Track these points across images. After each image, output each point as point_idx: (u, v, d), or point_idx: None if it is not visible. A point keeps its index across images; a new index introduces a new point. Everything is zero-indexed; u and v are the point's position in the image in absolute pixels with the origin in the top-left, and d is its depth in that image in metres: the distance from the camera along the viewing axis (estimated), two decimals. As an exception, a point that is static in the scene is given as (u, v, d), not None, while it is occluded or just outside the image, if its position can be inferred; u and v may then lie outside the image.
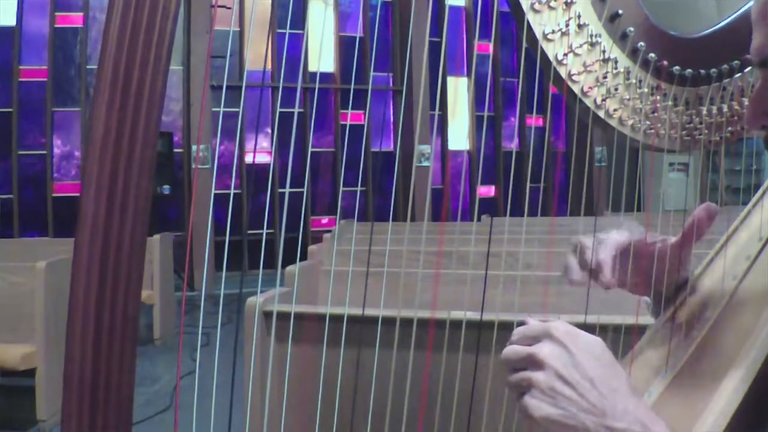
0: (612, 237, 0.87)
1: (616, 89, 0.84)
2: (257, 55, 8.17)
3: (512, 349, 0.63)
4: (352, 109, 9.79)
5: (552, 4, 0.79)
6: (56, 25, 8.37)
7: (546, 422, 0.60)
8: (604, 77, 0.83)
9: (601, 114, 0.84)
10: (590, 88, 0.83)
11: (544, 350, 0.61)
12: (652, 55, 0.84)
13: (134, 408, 0.68)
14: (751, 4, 0.72)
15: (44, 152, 8.39)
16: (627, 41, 0.83)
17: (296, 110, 8.10)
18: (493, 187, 10.46)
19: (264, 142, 9.08)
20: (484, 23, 9.95)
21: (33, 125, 8.38)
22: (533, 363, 0.61)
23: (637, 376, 0.82)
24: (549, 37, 0.79)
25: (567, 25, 0.80)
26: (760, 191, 0.97)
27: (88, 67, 8.39)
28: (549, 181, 9.12)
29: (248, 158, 8.81)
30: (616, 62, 0.83)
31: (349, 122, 9.48)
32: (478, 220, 6.09)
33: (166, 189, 7.22)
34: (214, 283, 8.22)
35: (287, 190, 7.61)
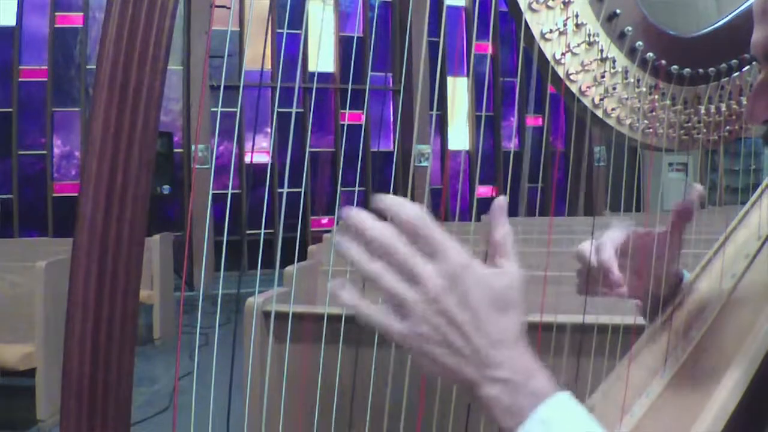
0: (609, 238, 0.86)
1: (615, 88, 0.84)
2: (256, 54, 8.17)
3: (395, 246, 0.52)
4: (351, 108, 9.79)
5: (550, 3, 0.79)
6: (56, 25, 8.37)
7: (416, 357, 0.53)
8: (602, 76, 0.83)
9: (600, 113, 0.84)
10: (588, 87, 0.83)
11: (433, 280, 0.52)
12: (650, 54, 0.84)
13: (133, 408, 0.68)
14: (749, 3, 0.72)
15: (44, 152, 8.39)
16: (625, 40, 0.83)
17: (295, 110, 8.11)
18: (492, 187, 10.46)
19: (263, 142, 9.09)
20: (483, 23, 9.94)
21: (33, 125, 8.38)
22: (416, 284, 0.52)
23: (636, 377, 0.82)
24: (547, 36, 0.79)
25: (565, 25, 0.80)
26: (759, 190, 0.97)
27: (88, 67, 8.39)
28: (548, 180, 9.12)
29: (247, 158, 8.81)
30: (614, 61, 0.83)
31: (348, 122, 9.49)
32: (477, 220, 6.09)
33: (165, 189, 7.22)
34: (213, 283, 8.22)
35: (286, 189, 7.60)
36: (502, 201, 0.59)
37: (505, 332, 0.54)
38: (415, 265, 0.52)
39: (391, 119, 9.85)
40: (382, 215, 0.54)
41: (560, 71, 0.80)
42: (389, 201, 0.53)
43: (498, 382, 0.53)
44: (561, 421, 0.53)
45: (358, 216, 0.53)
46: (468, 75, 10.18)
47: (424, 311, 0.52)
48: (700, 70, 0.86)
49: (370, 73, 9.05)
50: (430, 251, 0.53)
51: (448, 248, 0.53)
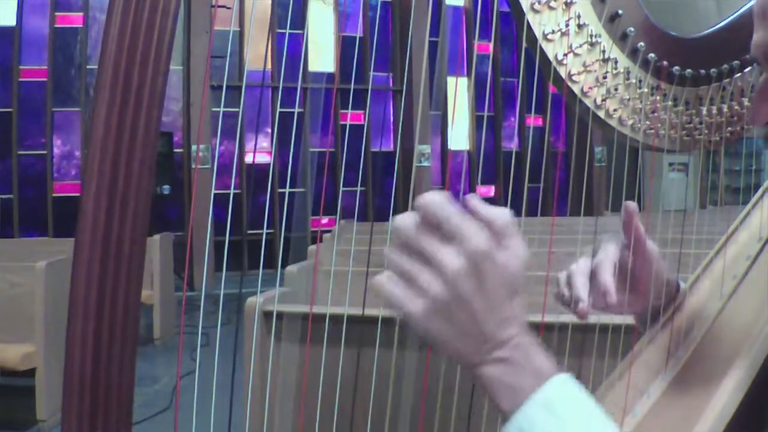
0: (605, 257, 0.84)
1: (616, 89, 0.84)
2: (257, 55, 8.17)
3: (413, 231, 0.53)
4: (352, 109, 9.79)
5: (552, 4, 0.79)
6: (56, 25, 8.38)
7: (426, 334, 0.54)
8: (604, 77, 0.83)
9: (601, 114, 0.84)
10: (590, 88, 0.83)
11: (454, 266, 0.52)
12: (651, 55, 0.84)
13: (134, 408, 0.68)
14: (751, 4, 0.72)
15: (44, 152, 8.40)
16: (627, 41, 0.83)
17: (296, 110, 8.12)
18: (492, 187, 10.46)
19: (264, 142, 9.09)
20: (484, 23, 9.95)
21: (33, 125, 8.39)
22: (437, 270, 0.52)
23: (637, 377, 0.82)
24: (549, 37, 0.79)
25: (567, 25, 0.80)
26: (760, 191, 0.97)
27: (88, 67, 8.40)
28: (548, 180, 9.12)
29: (248, 158, 8.81)
30: (616, 62, 0.83)
31: (349, 122, 9.49)
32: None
33: (165, 189, 7.23)
34: (214, 283, 8.22)
35: (287, 190, 7.62)
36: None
37: (512, 313, 0.55)
38: (433, 246, 0.53)
39: (392, 119, 9.85)
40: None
41: (562, 72, 0.80)
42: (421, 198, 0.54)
43: (500, 361, 0.54)
44: (562, 403, 0.53)
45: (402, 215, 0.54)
46: (469, 75, 10.18)
47: (440, 293, 0.52)
48: (702, 71, 0.86)
49: (371, 74, 9.05)
50: (449, 235, 0.53)
51: (468, 232, 0.53)
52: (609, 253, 0.84)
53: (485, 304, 0.53)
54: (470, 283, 0.53)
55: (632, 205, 0.81)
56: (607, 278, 0.82)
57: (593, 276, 0.83)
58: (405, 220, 0.54)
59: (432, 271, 0.53)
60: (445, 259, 0.52)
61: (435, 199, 0.53)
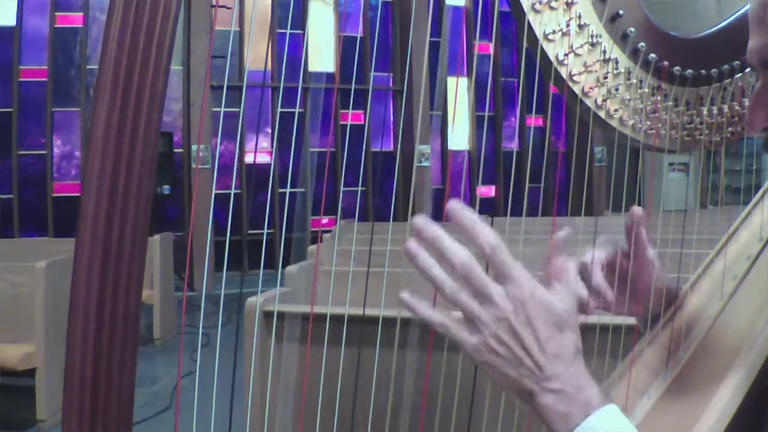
0: (596, 258, 0.84)
1: (617, 89, 0.84)
2: (257, 55, 8.17)
3: (473, 269, 0.59)
4: (352, 109, 9.79)
5: (553, 4, 0.79)
6: (56, 25, 8.38)
7: (482, 365, 0.61)
8: (605, 78, 0.83)
9: (602, 114, 0.84)
10: (591, 88, 0.83)
11: (504, 302, 0.60)
12: (652, 55, 0.84)
13: (134, 408, 0.68)
14: (749, 5, 0.72)
15: (44, 152, 8.39)
16: (628, 42, 0.83)
17: (296, 110, 8.12)
18: (493, 188, 10.46)
19: (264, 142, 9.09)
20: (484, 23, 9.94)
21: (33, 125, 8.39)
22: (489, 304, 0.60)
23: (637, 377, 0.82)
24: (550, 37, 0.79)
25: (568, 26, 0.80)
26: (761, 191, 0.97)
27: (88, 67, 8.39)
28: (549, 181, 9.12)
29: (248, 158, 8.81)
30: (616, 63, 0.83)
31: (349, 122, 9.49)
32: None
33: (166, 189, 7.23)
34: (215, 283, 8.22)
35: (287, 190, 7.62)
36: (563, 235, 0.69)
37: (563, 349, 0.61)
38: (489, 288, 0.59)
39: (392, 119, 9.85)
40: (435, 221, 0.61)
41: (563, 72, 0.80)
42: (466, 221, 0.60)
43: (552, 392, 0.60)
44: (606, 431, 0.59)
45: (433, 231, 0.60)
46: (469, 75, 10.17)
47: (495, 329, 0.60)
48: (703, 72, 0.86)
49: (371, 74, 9.05)
50: (501, 275, 0.60)
51: (518, 274, 0.60)
52: (597, 256, 0.84)
53: (535, 337, 0.60)
54: (520, 318, 0.60)
55: (639, 211, 0.82)
56: (600, 279, 0.83)
57: (583, 278, 0.83)
58: (461, 256, 0.59)
59: (486, 308, 0.60)
60: (496, 297, 0.59)
61: (491, 241, 0.60)
